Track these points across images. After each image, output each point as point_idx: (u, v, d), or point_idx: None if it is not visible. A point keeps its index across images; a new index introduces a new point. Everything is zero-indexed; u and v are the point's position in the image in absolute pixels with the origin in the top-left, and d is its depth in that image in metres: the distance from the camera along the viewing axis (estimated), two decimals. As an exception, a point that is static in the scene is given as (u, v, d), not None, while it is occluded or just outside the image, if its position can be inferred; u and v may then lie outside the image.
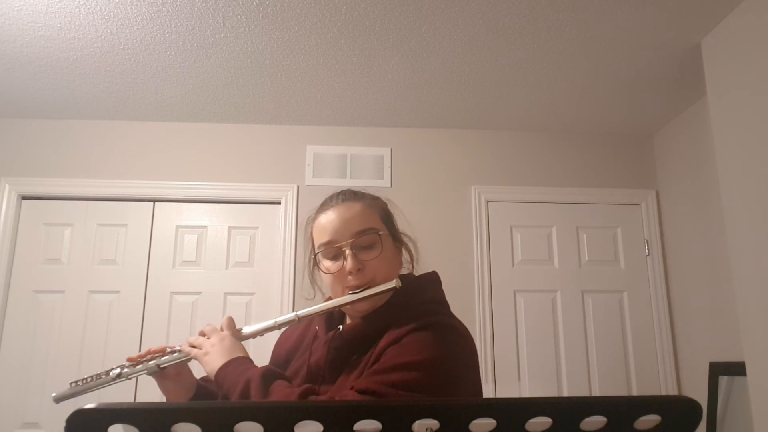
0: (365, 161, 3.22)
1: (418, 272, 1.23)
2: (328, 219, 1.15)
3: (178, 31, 2.35)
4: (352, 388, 1.00)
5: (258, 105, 3.01)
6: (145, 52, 2.50)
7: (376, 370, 1.00)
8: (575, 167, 3.28)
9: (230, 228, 3.14)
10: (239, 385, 1.03)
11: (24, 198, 3.10)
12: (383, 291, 1.09)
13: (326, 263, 1.14)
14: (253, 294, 3.05)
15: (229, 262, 3.09)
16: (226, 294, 3.04)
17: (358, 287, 1.10)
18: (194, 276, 3.06)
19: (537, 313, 3.08)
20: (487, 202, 3.19)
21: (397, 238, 1.21)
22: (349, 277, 1.11)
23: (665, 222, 3.19)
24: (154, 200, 3.14)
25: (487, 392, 2.92)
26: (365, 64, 2.59)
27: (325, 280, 1.16)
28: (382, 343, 1.05)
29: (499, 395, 2.93)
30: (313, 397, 1.02)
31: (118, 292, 3.01)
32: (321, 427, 0.55)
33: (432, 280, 1.20)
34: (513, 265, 3.14)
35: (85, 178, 3.12)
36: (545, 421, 0.57)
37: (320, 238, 1.15)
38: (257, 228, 3.14)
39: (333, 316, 1.22)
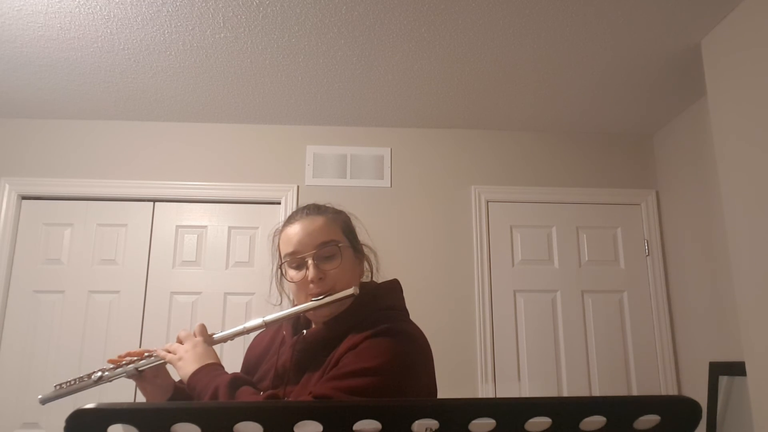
0: (365, 161, 3.22)
1: (379, 280, 1.30)
2: (294, 231, 1.22)
3: (178, 31, 2.35)
4: (310, 393, 1.06)
5: (258, 105, 3.01)
6: (145, 52, 2.50)
7: (333, 376, 1.07)
8: (575, 167, 3.28)
9: (230, 228, 3.14)
10: (209, 391, 1.10)
11: (24, 198, 3.10)
12: (342, 298, 1.16)
13: (291, 272, 1.22)
14: (253, 294, 3.04)
15: (229, 262, 3.09)
16: (226, 294, 3.04)
17: (319, 295, 1.17)
18: (194, 276, 3.06)
19: (537, 313, 3.08)
20: (487, 202, 3.19)
21: (357, 249, 1.28)
22: (311, 286, 1.18)
23: (665, 222, 3.19)
24: (154, 200, 3.13)
25: (487, 392, 2.92)
26: (365, 64, 2.59)
27: (291, 288, 1.24)
28: (341, 348, 1.12)
29: (499, 395, 2.93)
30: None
31: (118, 292, 3.01)
32: (321, 427, 0.55)
33: (392, 288, 1.26)
34: (513, 265, 3.14)
35: (85, 178, 3.12)
36: (545, 421, 0.57)
37: (286, 248, 1.22)
38: (257, 228, 3.14)
39: (299, 322, 1.29)
